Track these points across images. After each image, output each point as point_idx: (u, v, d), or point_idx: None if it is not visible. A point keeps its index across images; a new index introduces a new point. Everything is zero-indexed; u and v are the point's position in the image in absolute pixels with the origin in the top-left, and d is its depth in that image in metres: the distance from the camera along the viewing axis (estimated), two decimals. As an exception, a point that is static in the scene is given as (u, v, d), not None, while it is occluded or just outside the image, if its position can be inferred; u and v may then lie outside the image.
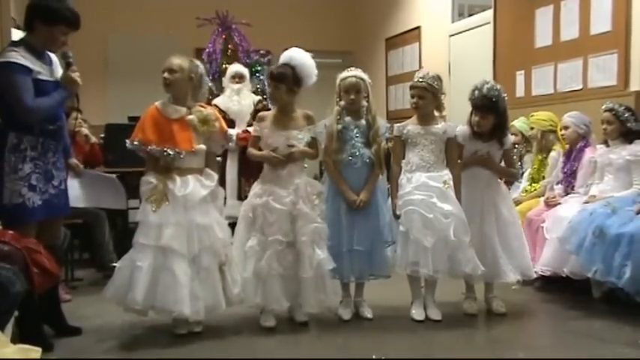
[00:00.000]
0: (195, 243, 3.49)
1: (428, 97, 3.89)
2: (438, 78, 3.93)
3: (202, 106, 3.78)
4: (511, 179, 4.28)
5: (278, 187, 3.73)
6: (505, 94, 3.98)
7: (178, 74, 3.62)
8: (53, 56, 3.54)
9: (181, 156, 3.56)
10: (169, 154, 3.54)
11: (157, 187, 3.53)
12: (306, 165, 3.96)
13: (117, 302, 3.51)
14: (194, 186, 3.55)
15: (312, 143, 3.88)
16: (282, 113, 3.85)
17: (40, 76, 3.36)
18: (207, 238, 3.53)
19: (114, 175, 5.16)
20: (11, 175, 3.32)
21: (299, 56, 3.88)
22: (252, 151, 3.89)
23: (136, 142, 3.59)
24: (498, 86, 3.98)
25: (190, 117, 3.64)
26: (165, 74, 3.62)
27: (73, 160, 4.29)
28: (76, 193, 4.48)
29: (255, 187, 3.83)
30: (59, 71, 3.51)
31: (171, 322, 3.58)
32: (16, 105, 3.27)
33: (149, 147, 3.56)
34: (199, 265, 3.51)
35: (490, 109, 3.90)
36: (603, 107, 4.45)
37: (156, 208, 3.48)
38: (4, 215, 3.37)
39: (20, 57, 3.29)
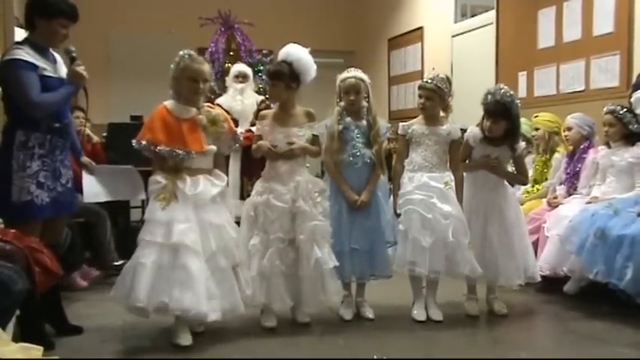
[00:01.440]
0: (211, 242, 3.40)
1: (435, 99, 3.90)
2: (447, 80, 3.94)
3: (210, 107, 3.73)
4: (519, 185, 4.28)
5: (279, 185, 3.73)
6: (518, 100, 3.96)
7: (208, 83, 3.62)
8: (57, 56, 3.55)
9: (192, 156, 3.49)
10: (179, 155, 3.46)
11: (167, 187, 3.44)
12: (308, 165, 3.95)
13: (120, 302, 3.44)
14: (205, 185, 3.49)
15: (314, 141, 3.87)
16: (283, 111, 3.85)
17: (46, 73, 3.38)
18: (222, 238, 3.46)
19: (130, 165, 5.11)
20: (20, 173, 3.34)
21: (295, 52, 3.86)
22: (254, 147, 3.89)
23: (144, 142, 3.49)
24: (512, 92, 3.94)
25: (200, 117, 3.58)
26: (201, 85, 3.54)
27: (85, 159, 4.31)
28: (96, 189, 4.48)
29: (257, 186, 3.83)
30: (63, 70, 3.53)
31: (174, 324, 3.43)
32: (21, 100, 3.29)
33: (158, 147, 3.47)
34: (215, 266, 3.41)
35: (502, 116, 3.88)
36: (605, 110, 4.44)
37: (164, 206, 3.39)
38: (11, 212, 3.38)
39: (25, 54, 3.32)
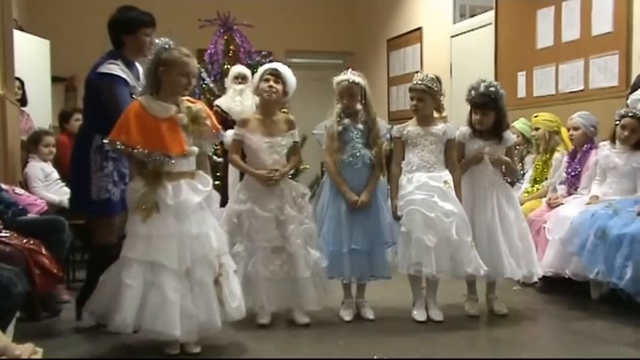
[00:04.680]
0: (187, 255, 3.17)
1: (427, 100, 3.90)
2: (437, 79, 3.94)
3: (191, 101, 3.43)
4: (512, 177, 4.27)
5: (262, 194, 3.78)
6: (503, 90, 4.00)
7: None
8: (141, 69, 3.77)
9: (172, 161, 3.22)
10: (158, 159, 3.20)
11: (146, 195, 3.19)
12: (307, 166, 3.96)
13: (98, 319, 3.36)
14: (187, 193, 3.23)
15: (295, 148, 3.92)
16: (266, 117, 3.88)
17: (133, 91, 3.65)
18: (201, 249, 3.21)
19: None
20: (98, 173, 3.65)
21: (285, 70, 3.93)
22: (236, 159, 3.89)
23: (118, 144, 3.21)
24: (495, 83, 4.02)
25: (180, 115, 3.29)
26: (193, 81, 3.40)
27: None
28: None
29: (240, 193, 3.85)
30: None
31: (162, 341, 3.25)
32: (114, 113, 3.47)
33: (135, 150, 3.19)
34: (193, 280, 3.19)
35: (490, 106, 3.93)
36: (622, 112, 4.31)
37: (145, 219, 3.17)
38: (92, 209, 3.71)
39: (120, 70, 3.62)
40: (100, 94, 3.63)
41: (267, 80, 3.84)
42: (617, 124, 4.36)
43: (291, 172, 4.04)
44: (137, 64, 3.83)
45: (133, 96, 3.58)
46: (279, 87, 3.84)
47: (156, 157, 3.20)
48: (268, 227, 3.73)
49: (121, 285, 3.13)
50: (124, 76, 3.64)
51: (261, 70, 3.97)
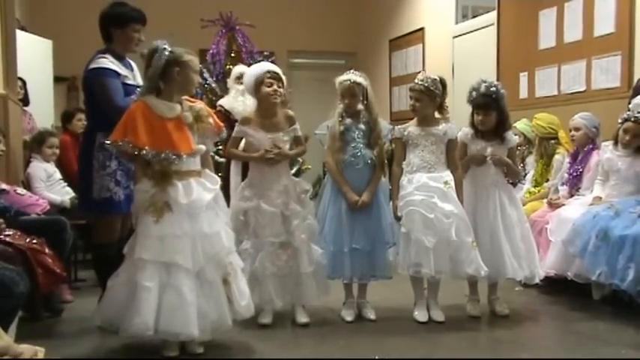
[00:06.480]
0: (200, 254, 3.17)
1: (425, 100, 3.90)
2: (439, 81, 3.92)
3: (191, 101, 3.45)
4: (514, 178, 4.27)
5: (267, 190, 3.79)
6: (503, 90, 4.01)
7: None
8: (133, 63, 3.86)
9: (182, 159, 3.21)
10: (168, 159, 3.17)
11: (156, 196, 3.17)
12: (309, 166, 3.97)
13: (107, 325, 3.29)
14: (198, 191, 3.22)
15: (298, 141, 3.95)
16: (267, 117, 3.87)
17: (127, 81, 3.72)
18: (212, 248, 3.22)
19: None
20: (100, 172, 3.67)
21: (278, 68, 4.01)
22: (234, 150, 3.94)
23: (122, 144, 3.16)
24: (496, 83, 4.03)
25: (186, 114, 3.30)
26: (200, 79, 3.47)
27: None
28: None
29: (244, 191, 3.85)
30: (139, 77, 3.80)
31: (160, 342, 3.25)
32: (107, 105, 3.56)
33: (143, 150, 3.16)
34: (203, 279, 3.19)
35: (491, 106, 3.93)
36: (626, 116, 4.27)
37: (158, 219, 3.14)
38: (93, 208, 3.74)
39: (109, 62, 3.66)
40: (94, 89, 3.67)
41: (270, 85, 3.82)
42: (620, 127, 4.34)
43: (294, 171, 4.05)
44: (129, 60, 3.88)
45: (134, 95, 3.56)
46: (281, 89, 3.86)
47: (165, 157, 3.17)
48: (275, 222, 3.74)
49: (137, 287, 3.08)
50: (113, 67, 3.67)
51: (254, 72, 3.91)
